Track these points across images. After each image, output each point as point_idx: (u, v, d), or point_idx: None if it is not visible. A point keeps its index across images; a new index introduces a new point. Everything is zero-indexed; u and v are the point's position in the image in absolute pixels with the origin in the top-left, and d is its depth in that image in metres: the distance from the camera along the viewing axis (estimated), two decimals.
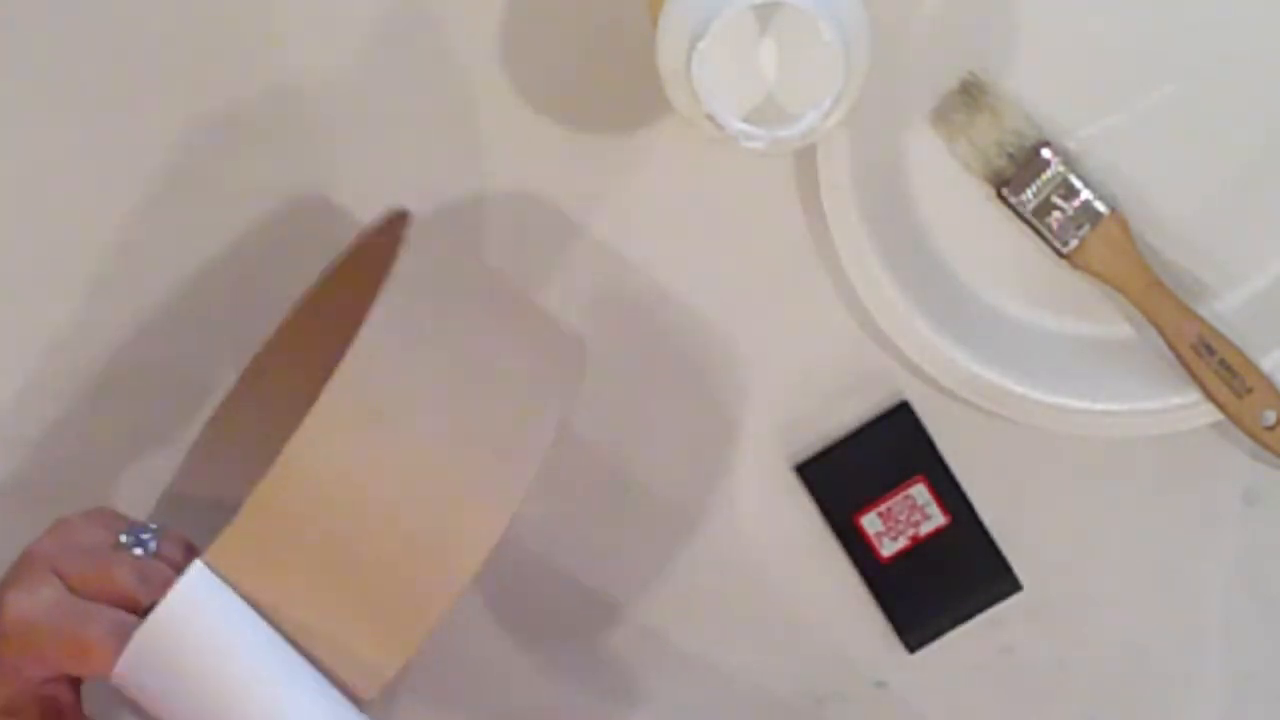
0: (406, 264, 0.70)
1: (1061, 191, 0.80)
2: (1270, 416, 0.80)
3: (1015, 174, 0.80)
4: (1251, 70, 0.80)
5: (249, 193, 0.82)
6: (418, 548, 0.67)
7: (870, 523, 0.85)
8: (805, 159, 0.81)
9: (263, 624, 0.66)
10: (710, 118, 0.69)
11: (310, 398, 0.67)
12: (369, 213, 0.82)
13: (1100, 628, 0.87)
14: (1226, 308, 0.82)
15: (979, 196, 0.82)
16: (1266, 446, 0.81)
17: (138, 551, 0.68)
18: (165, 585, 0.66)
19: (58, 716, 0.68)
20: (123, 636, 0.65)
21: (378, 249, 0.75)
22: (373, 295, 0.68)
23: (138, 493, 0.83)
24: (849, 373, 0.84)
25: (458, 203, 0.82)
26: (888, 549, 0.86)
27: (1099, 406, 0.82)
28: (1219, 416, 0.82)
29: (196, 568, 0.66)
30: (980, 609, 0.86)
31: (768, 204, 0.83)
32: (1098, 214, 0.80)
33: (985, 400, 0.82)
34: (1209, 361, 0.80)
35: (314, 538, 0.66)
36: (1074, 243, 0.80)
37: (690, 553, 0.86)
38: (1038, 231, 0.80)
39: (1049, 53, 0.80)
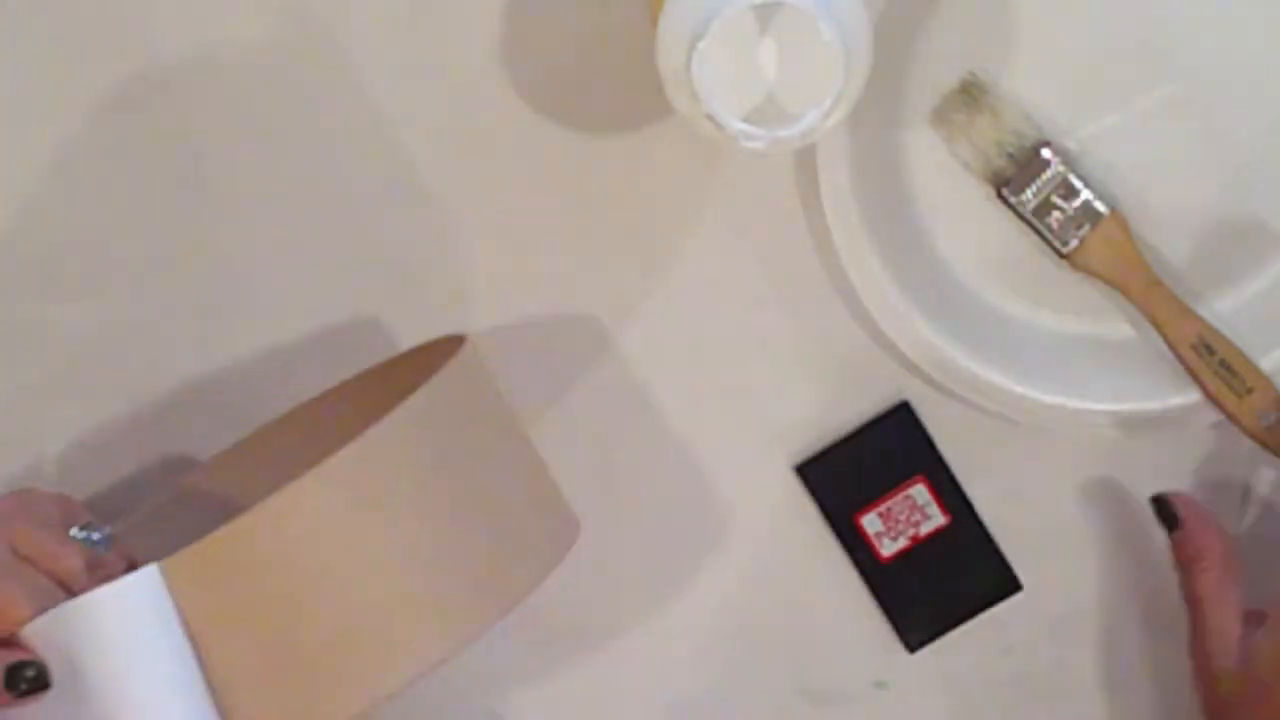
0: (447, 377, 0.70)
1: (1061, 191, 0.80)
2: (1271, 417, 0.80)
3: (1015, 174, 0.80)
4: (1251, 70, 0.80)
5: (252, 194, 0.82)
6: (356, 643, 0.66)
7: (870, 523, 0.85)
8: (805, 159, 0.81)
9: (188, 652, 0.65)
10: (710, 118, 0.69)
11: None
12: (370, 212, 0.82)
13: (1100, 628, 0.87)
14: (1226, 308, 0.82)
15: (979, 196, 0.82)
16: (1266, 446, 0.81)
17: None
18: (109, 577, 0.66)
19: None
20: (43, 602, 0.65)
21: (428, 357, 0.76)
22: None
23: (139, 494, 0.83)
24: (849, 373, 0.84)
25: (458, 203, 0.82)
26: (888, 549, 0.86)
27: (1099, 406, 0.82)
28: (1219, 417, 0.82)
29: (149, 570, 0.65)
30: (980, 609, 0.86)
31: (768, 204, 0.83)
32: (1098, 214, 0.80)
33: (985, 400, 0.82)
34: (1209, 361, 0.80)
35: (268, 589, 0.66)
36: (1074, 243, 0.80)
37: (690, 552, 0.86)
38: (1038, 231, 0.80)
39: (1049, 52, 0.80)
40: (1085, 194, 0.80)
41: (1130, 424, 0.83)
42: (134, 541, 0.76)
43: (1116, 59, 0.80)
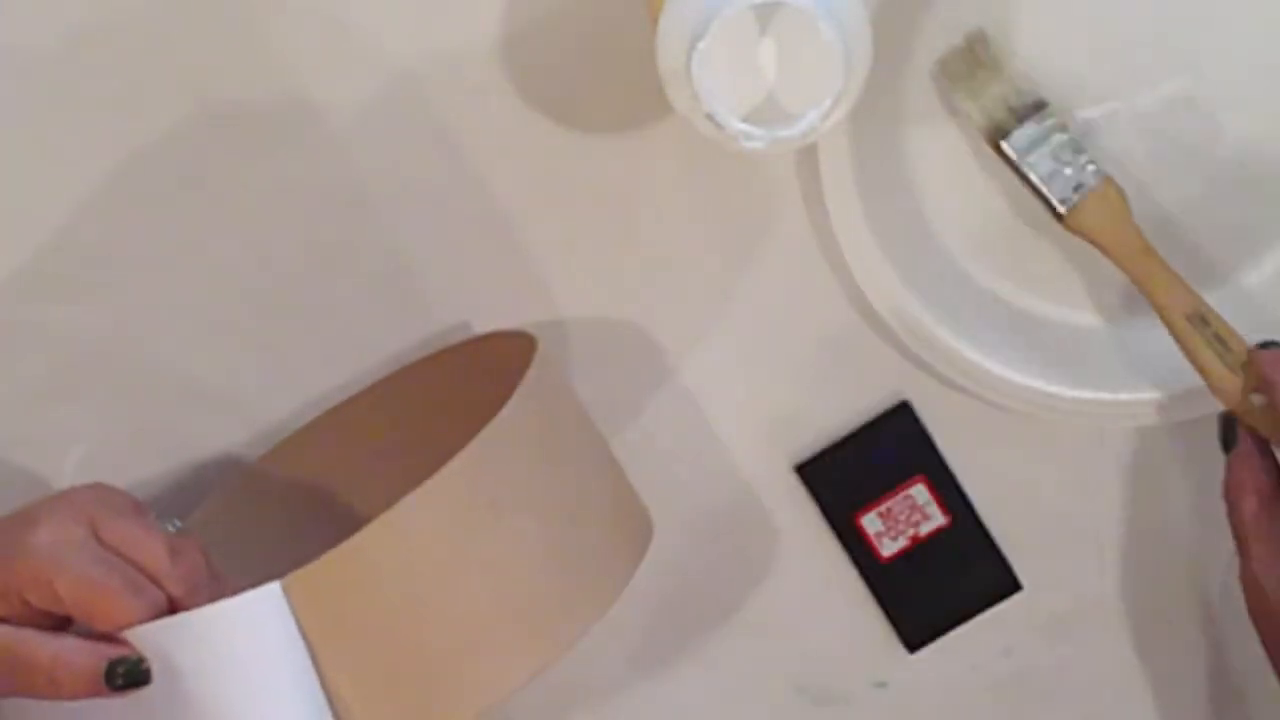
0: (538, 377, 0.71)
1: (1061, 152, 0.79)
2: (1260, 399, 0.79)
3: (1015, 129, 0.79)
4: (1259, 70, 0.80)
5: (251, 194, 0.82)
6: (474, 648, 0.67)
7: (870, 523, 0.85)
8: (807, 157, 0.81)
9: (308, 669, 0.65)
10: (710, 118, 0.69)
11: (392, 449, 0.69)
12: (371, 211, 0.82)
13: (1100, 628, 0.87)
14: (1222, 302, 0.82)
15: (984, 190, 0.81)
16: (1251, 426, 0.80)
17: None
18: (192, 568, 0.66)
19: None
20: (145, 597, 0.65)
21: (489, 353, 0.77)
22: (472, 397, 0.69)
23: (139, 492, 0.83)
24: (849, 373, 0.84)
25: (457, 203, 0.82)
26: (888, 549, 0.86)
27: (1104, 396, 0.82)
28: (1224, 407, 0.81)
29: (272, 588, 0.65)
30: (980, 609, 0.86)
31: (768, 204, 0.83)
32: (1098, 176, 0.79)
33: (990, 393, 0.82)
34: (1203, 333, 0.79)
35: (388, 601, 0.66)
36: (1072, 201, 0.79)
37: (690, 553, 0.86)
38: (1034, 188, 0.79)
39: (1052, 48, 0.80)
40: (1085, 156, 0.79)
41: (1133, 415, 0.82)
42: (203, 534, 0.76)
43: (1118, 52, 0.80)
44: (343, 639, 0.66)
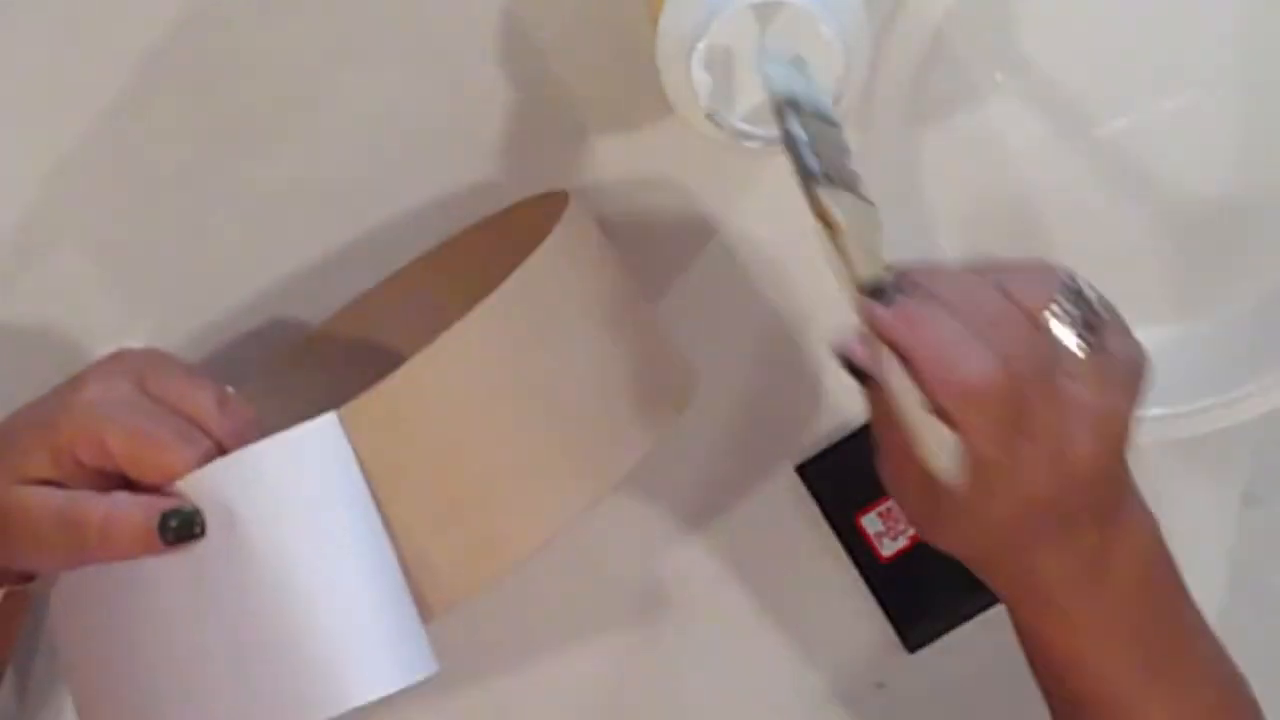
0: (571, 222, 0.71)
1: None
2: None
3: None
4: (1258, 83, 0.80)
5: (251, 193, 0.82)
6: (528, 476, 0.67)
7: (870, 523, 0.85)
8: None
9: (368, 500, 0.64)
10: (710, 118, 0.69)
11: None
12: (369, 212, 0.82)
13: None
14: (1228, 315, 0.82)
15: (986, 194, 0.81)
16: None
17: None
18: (240, 417, 0.66)
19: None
20: (195, 445, 0.64)
21: (520, 221, 0.77)
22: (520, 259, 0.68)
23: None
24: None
25: (456, 203, 0.82)
26: (888, 549, 0.86)
27: None
28: (1223, 424, 0.81)
29: (329, 418, 0.64)
30: (980, 609, 0.86)
31: (769, 204, 0.83)
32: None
33: None
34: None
35: (442, 430, 0.65)
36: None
37: (690, 553, 0.86)
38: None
39: (1058, 52, 0.80)
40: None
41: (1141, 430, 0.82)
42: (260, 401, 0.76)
43: (1126, 65, 0.80)
44: (401, 468, 0.65)
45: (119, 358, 0.69)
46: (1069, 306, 0.64)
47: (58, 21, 0.79)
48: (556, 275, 0.69)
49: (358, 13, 0.80)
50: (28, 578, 0.71)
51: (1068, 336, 0.63)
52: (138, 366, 0.68)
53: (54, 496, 0.65)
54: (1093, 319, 0.64)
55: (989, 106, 0.80)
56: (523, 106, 0.81)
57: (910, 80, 0.78)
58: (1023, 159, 0.81)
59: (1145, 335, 0.81)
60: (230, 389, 0.69)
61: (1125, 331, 0.65)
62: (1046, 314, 0.63)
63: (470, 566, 0.66)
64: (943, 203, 0.82)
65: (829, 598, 0.86)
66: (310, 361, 0.82)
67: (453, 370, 0.66)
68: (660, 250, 0.83)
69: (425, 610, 0.65)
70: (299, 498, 0.64)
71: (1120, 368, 0.64)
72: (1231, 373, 0.82)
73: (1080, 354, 0.63)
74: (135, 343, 0.81)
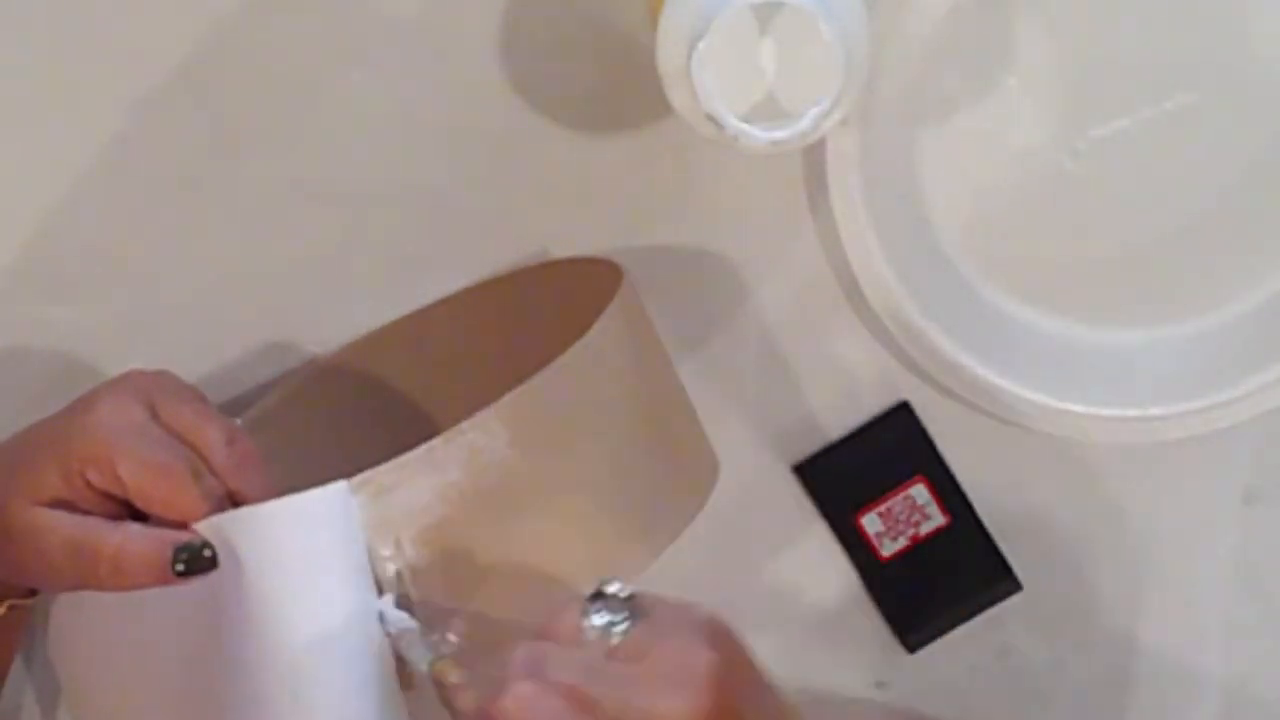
0: (624, 301, 0.71)
1: None
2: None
3: None
4: (1263, 86, 0.80)
5: (251, 194, 0.82)
6: (535, 569, 0.67)
7: (870, 523, 0.85)
8: (813, 158, 0.81)
9: (366, 571, 0.64)
10: (710, 118, 0.69)
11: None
12: (369, 212, 0.82)
13: (1100, 628, 0.87)
14: (1228, 318, 0.82)
15: (990, 197, 0.81)
16: None
17: None
18: (246, 456, 0.66)
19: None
20: (203, 484, 0.64)
21: (556, 282, 0.78)
22: (547, 318, 0.70)
23: None
24: (849, 372, 0.84)
25: (457, 203, 0.82)
26: (888, 549, 0.86)
27: (1105, 413, 0.82)
28: (1223, 424, 0.81)
29: (340, 486, 0.64)
30: (980, 609, 0.86)
31: (768, 203, 0.83)
32: None
33: (992, 406, 0.82)
34: None
35: (466, 513, 0.65)
36: None
37: (690, 553, 0.86)
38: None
39: (1059, 52, 0.80)
40: None
41: (1133, 430, 0.82)
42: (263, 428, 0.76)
43: (1127, 66, 0.80)
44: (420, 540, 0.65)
45: (130, 379, 0.68)
46: (597, 608, 0.62)
47: (58, 22, 0.79)
48: (593, 368, 0.69)
49: (358, 13, 0.80)
50: (31, 593, 0.71)
51: (604, 629, 0.61)
52: (149, 390, 0.67)
53: (66, 523, 0.65)
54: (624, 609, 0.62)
55: (989, 106, 0.80)
56: (523, 106, 0.81)
57: (910, 80, 0.79)
58: (1023, 159, 0.81)
59: (1144, 335, 0.82)
60: (238, 422, 0.69)
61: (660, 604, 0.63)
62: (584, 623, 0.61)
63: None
64: (943, 203, 0.82)
65: (829, 598, 0.86)
66: (314, 392, 0.82)
67: (470, 458, 0.65)
68: (660, 250, 0.83)
69: (405, 680, 0.66)
70: (299, 556, 0.65)
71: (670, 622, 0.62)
72: (1231, 372, 0.82)
73: (619, 636, 0.61)
74: (134, 341, 0.82)
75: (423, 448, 0.65)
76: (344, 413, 0.81)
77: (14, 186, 0.81)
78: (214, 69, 0.80)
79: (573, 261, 0.81)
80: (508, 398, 0.66)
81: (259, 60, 0.80)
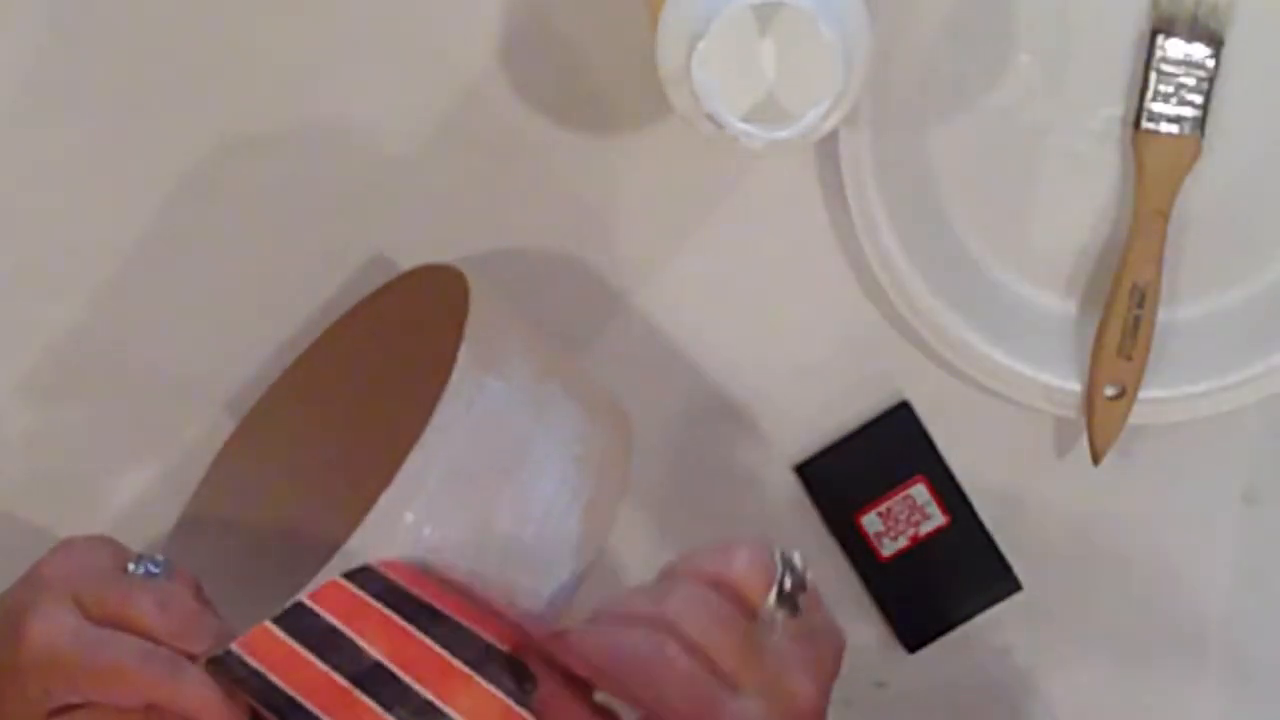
0: (479, 292, 0.70)
1: (1190, 89, 0.79)
2: (1113, 390, 0.80)
3: (1179, 37, 0.78)
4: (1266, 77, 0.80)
5: (251, 194, 0.82)
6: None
7: (870, 523, 0.85)
8: (826, 155, 0.80)
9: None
10: (710, 118, 0.69)
11: (318, 433, 0.70)
12: (370, 212, 0.82)
13: (1100, 628, 0.87)
14: (1230, 303, 0.82)
15: (1004, 189, 0.81)
16: (1086, 413, 0.81)
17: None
18: (185, 615, 0.65)
19: None
20: (155, 660, 0.63)
21: (405, 295, 0.77)
22: (394, 339, 0.70)
23: (139, 495, 0.83)
24: (849, 373, 0.84)
25: (457, 204, 0.82)
26: (888, 549, 0.86)
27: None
28: (1228, 407, 0.81)
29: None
30: (980, 609, 0.86)
31: (768, 203, 0.83)
32: (1194, 129, 0.79)
33: (998, 385, 0.82)
34: (1129, 308, 0.79)
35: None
36: (1154, 129, 0.79)
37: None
38: (1144, 88, 0.79)
39: (1061, 49, 0.79)
40: (1203, 108, 0.78)
41: (1138, 412, 0.82)
42: (185, 551, 0.75)
43: (1131, 63, 0.80)
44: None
45: (46, 579, 0.66)
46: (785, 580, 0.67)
47: (58, 21, 0.79)
48: (477, 382, 0.68)
49: (358, 13, 0.80)
50: None
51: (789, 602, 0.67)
52: (69, 585, 0.65)
53: None
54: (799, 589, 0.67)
55: (993, 104, 0.80)
56: (522, 107, 0.81)
57: (922, 60, 0.78)
58: (1025, 157, 0.81)
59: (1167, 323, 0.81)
60: (159, 559, 0.68)
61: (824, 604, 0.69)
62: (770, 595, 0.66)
63: None
64: (949, 200, 0.81)
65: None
66: (238, 464, 0.81)
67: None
68: (659, 249, 0.83)
69: None
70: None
71: (821, 629, 0.68)
72: (1231, 358, 0.82)
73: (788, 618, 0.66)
74: (134, 342, 0.82)
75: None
76: (265, 485, 0.81)
77: (14, 186, 0.81)
78: (214, 69, 0.80)
79: (416, 272, 0.79)
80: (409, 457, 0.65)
81: (259, 60, 0.80)
